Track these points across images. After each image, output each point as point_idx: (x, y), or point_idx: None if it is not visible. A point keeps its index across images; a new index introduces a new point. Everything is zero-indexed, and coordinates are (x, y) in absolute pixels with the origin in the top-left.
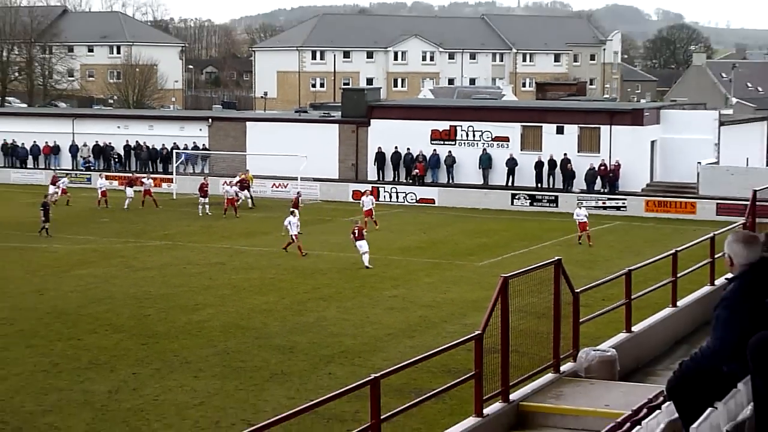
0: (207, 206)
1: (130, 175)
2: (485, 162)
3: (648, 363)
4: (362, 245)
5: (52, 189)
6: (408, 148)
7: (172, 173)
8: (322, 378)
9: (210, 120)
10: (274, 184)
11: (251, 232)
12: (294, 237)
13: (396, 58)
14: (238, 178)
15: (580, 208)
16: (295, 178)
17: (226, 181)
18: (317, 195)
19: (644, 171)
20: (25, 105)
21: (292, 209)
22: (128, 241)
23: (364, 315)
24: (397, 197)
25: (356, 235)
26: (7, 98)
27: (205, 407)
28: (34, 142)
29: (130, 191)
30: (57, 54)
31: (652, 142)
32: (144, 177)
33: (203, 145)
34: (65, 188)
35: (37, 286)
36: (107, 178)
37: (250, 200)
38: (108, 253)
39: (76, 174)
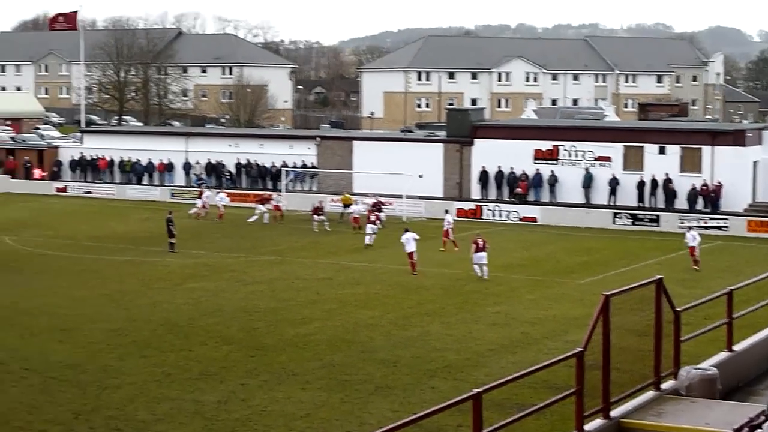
0: (326, 223)
1: (264, 193)
2: (587, 181)
3: (749, 382)
4: (481, 257)
5: (200, 202)
6: (511, 168)
7: (281, 190)
8: (426, 392)
9: (318, 139)
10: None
11: (357, 248)
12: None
13: (500, 79)
14: (370, 201)
15: (690, 230)
16: (401, 196)
17: (332, 199)
18: (422, 212)
19: (746, 191)
20: (141, 124)
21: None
22: (239, 256)
23: (467, 330)
24: (500, 215)
25: (478, 246)
26: (124, 117)
27: (311, 419)
28: (149, 159)
29: (261, 207)
30: (172, 74)
31: (755, 163)
32: (275, 195)
33: (311, 163)
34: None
35: (150, 298)
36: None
37: (326, 223)
38: (219, 268)
39: (189, 191)
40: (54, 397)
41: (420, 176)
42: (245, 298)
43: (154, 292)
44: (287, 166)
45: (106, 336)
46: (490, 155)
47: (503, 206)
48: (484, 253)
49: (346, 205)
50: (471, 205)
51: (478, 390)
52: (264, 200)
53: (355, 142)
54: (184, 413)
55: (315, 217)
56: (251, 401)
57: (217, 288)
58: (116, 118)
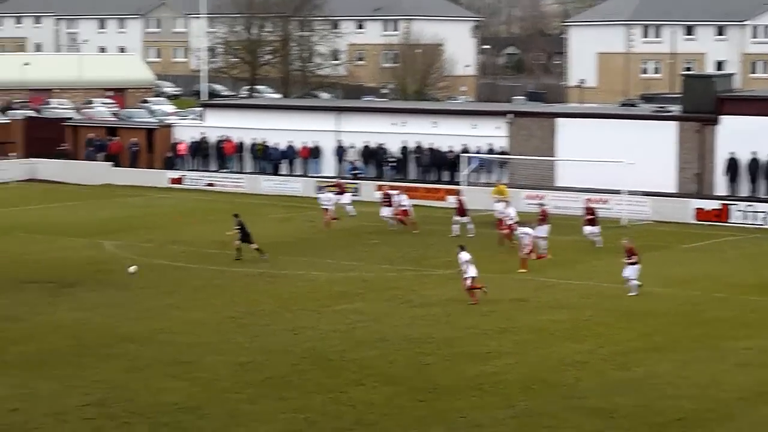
0: (470, 226)
1: (340, 181)
2: None
3: None
4: (631, 271)
5: (329, 197)
6: None
7: (460, 183)
8: None
9: (510, 115)
10: (590, 199)
11: (561, 260)
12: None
13: (755, 35)
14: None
15: None
16: (619, 192)
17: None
18: (648, 213)
19: None
20: (279, 95)
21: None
22: (405, 269)
23: (709, 372)
24: (755, 218)
25: (628, 255)
26: (257, 87)
27: None
28: (290, 142)
29: (385, 211)
30: (318, 31)
31: None
32: (395, 192)
33: (501, 147)
34: (404, 209)
35: (290, 323)
36: (379, 188)
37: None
38: (379, 284)
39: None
40: None
41: (631, 164)
42: (413, 325)
43: (294, 315)
44: (469, 152)
45: (233, 371)
46: (741, 138)
47: (760, 206)
48: (634, 267)
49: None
50: (714, 204)
51: None
52: (339, 190)
53: (558, 120)
54: None
55: (457, 218)
56: None
57: (377, 311)
58: (247, 88)
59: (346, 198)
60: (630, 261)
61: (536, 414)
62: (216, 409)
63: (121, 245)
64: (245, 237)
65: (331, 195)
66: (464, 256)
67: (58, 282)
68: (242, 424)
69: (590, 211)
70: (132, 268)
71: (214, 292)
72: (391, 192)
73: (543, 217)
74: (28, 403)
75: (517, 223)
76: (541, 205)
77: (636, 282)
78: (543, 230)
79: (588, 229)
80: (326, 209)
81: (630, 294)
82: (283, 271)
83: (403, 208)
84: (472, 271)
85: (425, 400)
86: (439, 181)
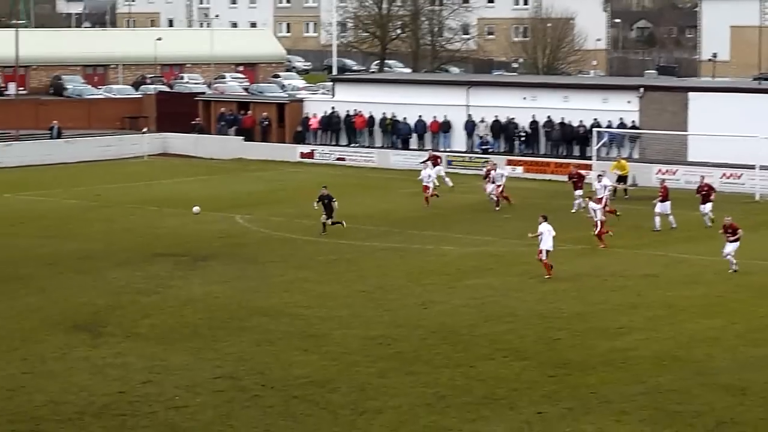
0: (577, 201)
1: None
2: None
3: None
4: (731, 248)
5: (428, 173)
6: None
7: (591, 158)
8: None
9: (641, 90)
10: (724, 174)
11: (693, 236)
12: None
13: None
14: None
15: None
16: (753, 167)
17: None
18: None
19: None
20: (409, 70)
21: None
22: (535, 245)
23: None
24: None
25: (730, 232)
26: (387, 61)
27: None
28: (420, 116)
29: (490, 187)
30: (449, 6)
31: None
32: (495, 168)
33: (632, 121)
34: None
35: (420, 297)
36: (509, 163)
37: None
38: (509, 259)
39: (471, 158)
40: (297, 422)
41: (765, 139)
42: (543, 300)
43: (425, 289)
44: (599, 126)
45: (364, 345)
46: None
47: None
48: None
49: (622, 177)
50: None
51: None
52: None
53: (691, 95)
54: None
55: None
56: None
57: (507, 286)
58: (377, 62)
59: (439, 170)
60: (732, 238)
61: (667, 390)
62: (346, 382)
63: (253, 219)
64: (328, 211)
65: (430, 171)
66: (545, 227)
67: (191, 255)
68: (372, 397)
69: (705, 188)
70: (196, 209)
71: (345, 266)
72: (492, 168)
73: (664, 194)
74: (160, 375)
75: (593, 199)
76: (662, 181)
77: (733, 261)
78: (664, 207)
79: (703, 207)
80: (426, 186)
81: (730, 271)
82: (413, 246)
83: (498, 184)
84: (547, 244)
85: (555, 376)
86: (569, 156)
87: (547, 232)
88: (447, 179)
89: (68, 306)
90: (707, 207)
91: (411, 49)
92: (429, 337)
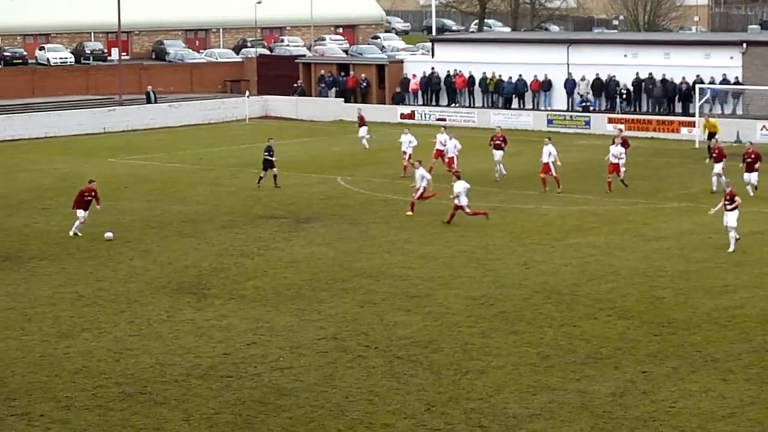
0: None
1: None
2: None
3: None
4: (731, 219)
5: (408, 139)
6: None
7: (694, 115)
8: None
9: (744, 45)
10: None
11: None
12: None
13: None
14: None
15: None
16: None
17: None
18: None
19: None
20: (508, 29)
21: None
22: (637, 203)
23: None
24: None
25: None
26: (486, 21)
27: (736, 420)
28: (520, 75)
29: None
30: None
31: None
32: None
33: (735, 77)
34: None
35: (522, 257)
36: (610, 121)
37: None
38: (611, 218)
39: (572, 116)
40: (401, 382)
41: None
42: (646, 258)
43: (526, 249)
44: (702, 83)
45: (466, 305)
46: None
47: None
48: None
49: (712, 134)
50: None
51: None
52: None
53: None
54: (566, 408)
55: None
56: (655, 395)
57: (610, 244)
58: (476, 22)
59: (362, 131)
60: (731, 207)
61: None
62: (449, 342)
63: (354, 180)
64: (268, 164)
65: (408, 136)
66: (458, 185)
67: (293, 217)
68: (475, 357)
69: (751, 155)
70: (108, 235)
71: (446, 227)
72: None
73: (718, 154)
74: (264, 337)
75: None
76: (716, 140)
77: (734, 234)
78: (718, 168)
79: (748, 176)
80: (404, 152)
81: (730, 250)
82: (515, 205)
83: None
84: (462, 200)
85: (659, 334)
86: (671, 113)
87: (461, 190)
88: (365, 141)
89: (173, 269)
90: (752, 176)
91: (510, 7)
92: (531, 296)
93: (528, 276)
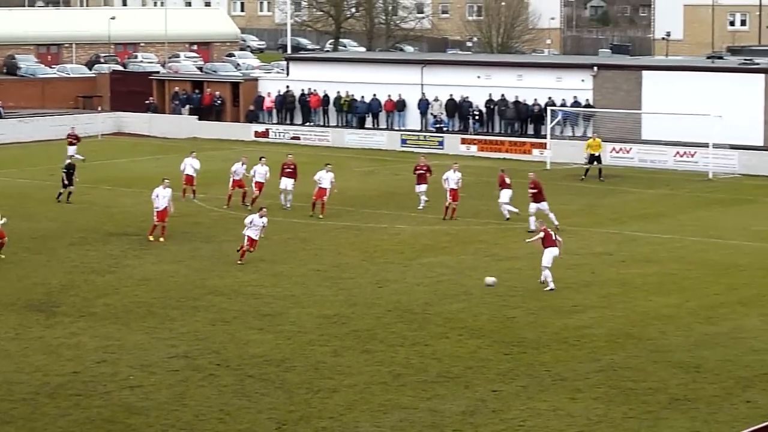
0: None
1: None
2: None
3: None
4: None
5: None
6: None
7: (545, 136)
8: (738, 407)
9: (595, 68)
10: (678, 153)
11: (647, 214)
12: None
13: None
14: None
15: None
16: (706, 145)
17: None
18: (735, 167)
19: None
20: (363, 49)
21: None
22: (489, 223)
23: None
24: None
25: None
26: (341, 40)
27: None
28: (374, 95)
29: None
30: None
31: None
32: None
33: (586, 100)
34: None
35: (376, 276)
36: (464, 142)
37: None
38: (464, 237)
39: (425, 136)
40: (252, 401)
41: (718, 117)
42: (498, 278)
43: (380, 268)
44: (554, 105)
45: (319, 324)
46: None
47: None
48: None
49: (593, 156)
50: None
51: None
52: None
53: (644, 73)
54: (417, 426)
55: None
56: (505, 413)
57: (462, 264)
58: (331, 41)
59: (71, 150)
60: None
61: (621, 368)
62: (301, 361)
63: (207, 198)
64: (69, 180)
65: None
66: (248, 218)
67: (145, 235)
68: (327, 376)
69: (423, 168)
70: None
71: (300, 245)
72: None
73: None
74: (115, 355)
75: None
76: (502, 171)
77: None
78: (505, 195)
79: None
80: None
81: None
82: (367, 224)
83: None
84: (252, 233)
85: (510, 353)
86: (524, 134)
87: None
88: (78, 156)
89: (22, 286)
90: (421, 189)
91: (365, 27)
92: (384, 315)
93: (381, 295)
